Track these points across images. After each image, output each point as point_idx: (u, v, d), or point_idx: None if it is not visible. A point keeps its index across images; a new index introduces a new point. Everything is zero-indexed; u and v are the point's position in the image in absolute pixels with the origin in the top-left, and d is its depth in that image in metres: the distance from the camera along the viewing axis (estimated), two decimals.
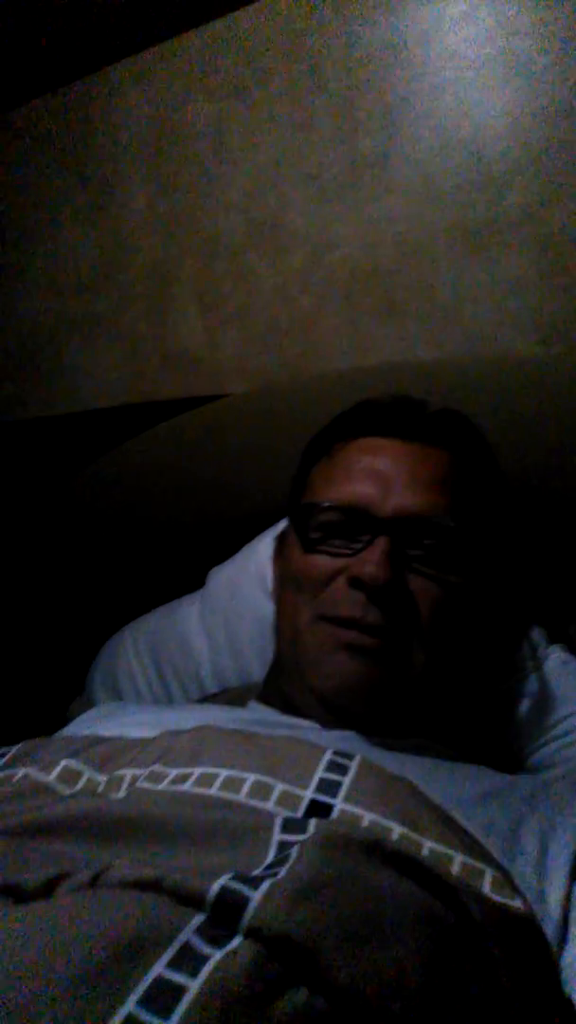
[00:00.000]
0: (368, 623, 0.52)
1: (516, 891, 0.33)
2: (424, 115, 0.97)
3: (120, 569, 1.00)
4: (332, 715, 0.52)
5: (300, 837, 0.31)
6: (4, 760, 0.46)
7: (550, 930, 0.35)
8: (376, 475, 0.56)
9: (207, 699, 0.73)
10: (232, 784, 0.38)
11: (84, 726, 0.57)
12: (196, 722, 0.47)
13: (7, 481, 1.13)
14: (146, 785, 0.39)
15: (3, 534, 1.07)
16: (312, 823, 0.32)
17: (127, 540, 0.99)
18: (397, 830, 0.35)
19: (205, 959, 0.25)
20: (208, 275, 1.10)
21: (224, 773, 0.39)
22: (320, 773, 0.39)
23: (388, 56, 0.98)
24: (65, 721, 0.65)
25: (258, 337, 1.07)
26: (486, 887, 0.33)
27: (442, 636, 0.54)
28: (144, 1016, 0.23)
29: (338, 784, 0.38)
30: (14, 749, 0.47)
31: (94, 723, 0.58)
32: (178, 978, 0.24)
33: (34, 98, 1.19)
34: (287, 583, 0.59)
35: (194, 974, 0.24)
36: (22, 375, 1.25)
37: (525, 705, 0.63)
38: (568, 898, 0.36)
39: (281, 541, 0.66)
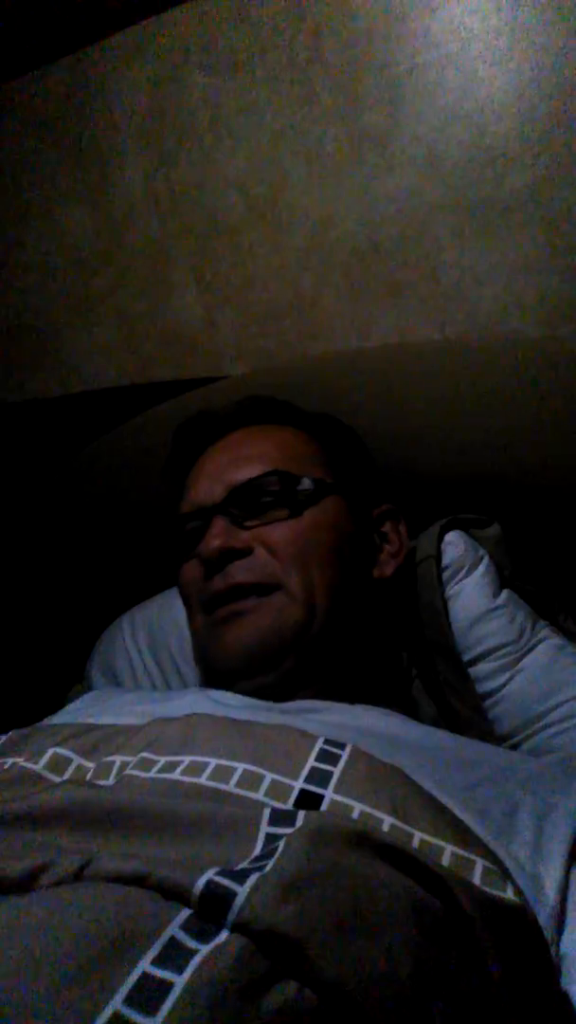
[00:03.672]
0: (228, 587, 0.55)
1: (508, 881, 0.33)
2: (428, 89, 0.94)
3: (118, 554, 0.99)
4: (248, 682, 0.54)
5: (288, 830, 0.31)
6: None
7: (545, 915, 0.34)
8: (207, 474, 0.62)
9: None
10: (221, 773, 0.38)
11: (76, 712, 0.57)
12: (188, 709, 0.47)
13: (3, 464, 1.12)
14: (135, 772, 0.39)
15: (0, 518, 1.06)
16: (301, 815, 0.32)
17: (124, 525, 0.98)
18: (387, 821, 0.35)
19: (192, 954, 0.24)
20: (206, 254, 1.08)
21: (214, 762, 0.38)
22: (311, 762, 0.38)
23: (391, 28, 0.95)
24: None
25: (257, 318, 1.06)
26: (476, 878, 0.32)
27: (313, 565, 0.56)
28: (130, 1014, 0.22)
29: (329, 774, 0.38)
30: (2, 739, 0.46)
31: (87, 709, 0.57)
32: (165, 974, 0.23)
33: (27, 72, 1.16)
34: (184, 603, 0.63)
35: (181, 970, 0.24)
36: (18, 356, 1.23)
37: (516, 690, 0.62)
38: (566, 882, 0.36)
39: None
